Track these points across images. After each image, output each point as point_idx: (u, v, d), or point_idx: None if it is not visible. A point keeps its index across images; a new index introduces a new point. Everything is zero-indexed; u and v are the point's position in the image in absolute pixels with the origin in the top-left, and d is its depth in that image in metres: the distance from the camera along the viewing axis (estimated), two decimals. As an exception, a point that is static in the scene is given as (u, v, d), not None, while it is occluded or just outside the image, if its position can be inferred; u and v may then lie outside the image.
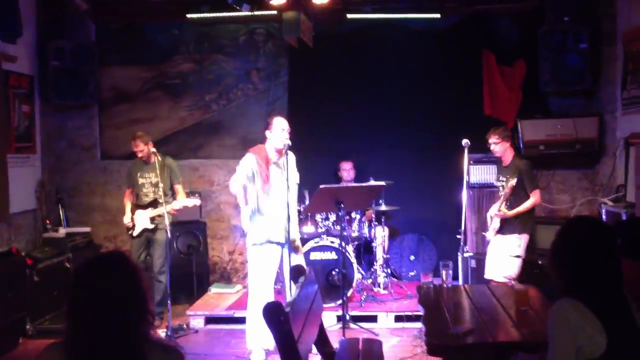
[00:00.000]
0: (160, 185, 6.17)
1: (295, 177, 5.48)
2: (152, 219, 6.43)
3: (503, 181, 5.86)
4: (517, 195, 5.75)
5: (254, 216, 5.36)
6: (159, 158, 6.23)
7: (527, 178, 5.77)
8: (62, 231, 7.13)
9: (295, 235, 5.56)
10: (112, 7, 7.55)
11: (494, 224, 5.87)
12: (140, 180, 6.53)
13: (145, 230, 6.48)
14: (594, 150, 7.13)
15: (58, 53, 7.19)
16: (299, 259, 5.43)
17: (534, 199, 5.76)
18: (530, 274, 6.01)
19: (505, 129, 6.06)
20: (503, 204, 5.75)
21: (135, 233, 6.49)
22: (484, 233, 6.16)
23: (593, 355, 2.40)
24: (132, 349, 2.06)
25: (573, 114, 7.21)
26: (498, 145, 5.86)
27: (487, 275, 5.90)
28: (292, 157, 5.47)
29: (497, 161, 6.17)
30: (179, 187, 6.55)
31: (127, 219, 6.52)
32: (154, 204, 6.43)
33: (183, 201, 6.39)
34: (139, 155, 6.47)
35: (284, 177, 5.24)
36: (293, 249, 5.35)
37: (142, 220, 6.46)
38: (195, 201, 6.49)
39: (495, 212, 5.85)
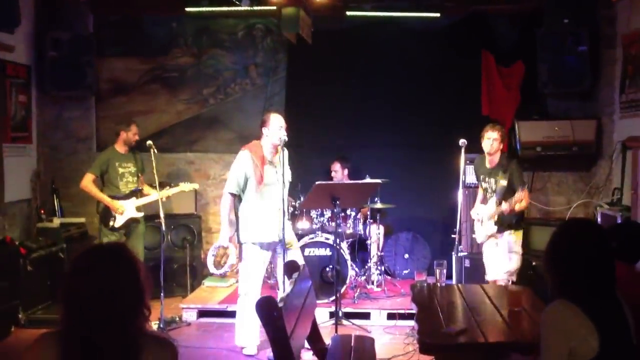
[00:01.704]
0: (139, 174, 6.38)
1: (288, 174, 5.45)
2: (139, 209, 6.39)
3: (490, 182, 5.72)
4: (505, 196, 5.58)
5: (248, 216, 5.34)
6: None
7: (517, 178, 5.58)
8: (57, 221, 7.11)
9: (291, 236, 5.54)
10: (111, -3, 7.55)
11: (488, 229, 5.72)
12: (120, 170, 6.40)
13: (130, 221, 6.37)
14: (591, 152, 7.15)
15: (56, 43, 7.17)
16: (296, 255, 5.42)
17: (525, 195, 5.52)
18: (524, 274, 6.01)
19: (504, 129, 5.90)
20: (495, 207, 5.62)
21: (118, 224, 6.31)
22: (474, 235, 6.09)
23: (585, 358, 2.40)
24: (127, 341, 2.05)
25: (571, 116, 7.22)
26: (497, 142, 5.62)
27: (489, 277, 5.80)
28: (285, 152, 5.44)
29: (478, 161, 5.97)
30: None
31: (120, 206, 6.29)
32: (136, 193, 6.41)
33: (182, 186, 6.41)
34: (135, 139, 6.41)
35: (279, 174, 5.23)
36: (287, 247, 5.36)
37: (128, 209, 6.35)
38: (194, 185, 6.58)
39: (486, 214, 5.70)
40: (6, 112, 6.86)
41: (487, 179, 5.78)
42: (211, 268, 5.55)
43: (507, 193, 5.54)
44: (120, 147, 6.47)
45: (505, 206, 5.45)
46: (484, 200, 5.84)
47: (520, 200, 5.39)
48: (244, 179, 5.29)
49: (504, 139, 5.77)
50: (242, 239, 5.39)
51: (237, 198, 5.38)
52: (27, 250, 6.34)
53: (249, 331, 5.35)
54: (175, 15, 7.72)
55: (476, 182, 6.19)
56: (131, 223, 6.41)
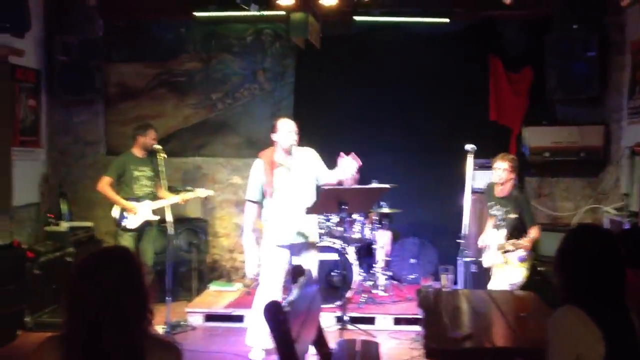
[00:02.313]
0: (155, 179, 6.41)
1: (320, 170, 5.46)
2: (155, 212, 6.44)
3: (500, 211, 5.72)
4: (516, 229, 5.58)
5: (266, 220, 5.42)
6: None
7: (528, 213, 5.57)
8: (65, 225, 7.14)
9: (309, 231, 5.50)
10: (120, 3, 7.57)
11: (495, 259, 5.67)
12: (136, 173, 6.46)
13: (145, 223, 6.43)
14: (599, 158, 7.12)
15: (65, 48, 7.22)
16: (312, 258, 5.41)
17: (535, 234, 5.48)
18: (531, 280, 5.97)
19: (516, 160, 5.82)
20: (504, 240, 5.57)
21: (133, 226, 6.37)
22: (479, 259, 6.08)
23: (592, 364, 2.39)
24: (131, 344, 2.06)
25: (579, 122, 7.19)
26: (506, 173, 5.60)
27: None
28: (309, 152, 5.45)
29: (488, 188, 5.97)
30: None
31: (133, 206, 6.35)
32: (152, 196, 6.46)
33: (198, 192, 6.48)
34: (152, 144, 6.44)
35: (292, 178, 5.25)
36: (307, 246, 5.35)
37: (143, 211, 6.41)
38: (208, 192, 6.66)
39: (494, 245, 5.66)
40: (15, 116, 6.91)
41: (495, 206, 5.78)
42: (248, 273, 5.57)
43: (517, 227, 5.56)
44: (137, 151, 6.53)
45: (510, 247, 5.48)
46: (495, 227, 5.85)
47: (527, 246, 5.42)
48: (257, 186, 5.40)
49: (515, 169, 5.69)
50: (263, 242, 5.45)
51: (261, 205, 5.46)
52: (35, 254, 6.37)
53: (259, 334, 5.33)
54: (184, 20, 7.74)
55: (483, 187, 6.17)
56: (146, 226, 6.45)
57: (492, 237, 5.76)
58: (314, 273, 5.13)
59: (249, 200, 5.46)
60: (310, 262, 5.29)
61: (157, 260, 6.71)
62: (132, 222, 6.37)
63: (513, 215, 5.54)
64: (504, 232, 5.62)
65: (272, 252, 5.37)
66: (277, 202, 5.34)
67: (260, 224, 5.55)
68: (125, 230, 6.39)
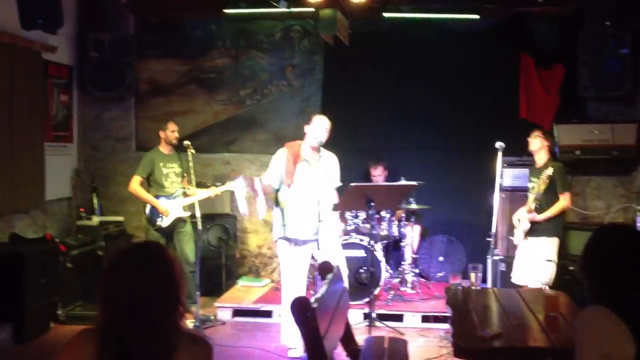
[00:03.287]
0: (184, 175, 6.43)
1: (333, 178, 5.47)
2: (185, 208, 6.46)
3: (534, 182, 5.81)
4: (547, 196, 5.74)
5: (279, 212, 5.39)
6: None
7: (560, 179, 5.76)
8: (96, 219, 7.23)
9: (327, 237, 5.50)
10: (151, 1, 7.65)
11: (523, 225, 5.83)
12: (165, 170, 6.48)
13: (177, 220, 6.45)
14: (632, 157, 7.00)
15: (97, 44, 7.33)
16: (334, 252, 5.39)
17: (564, 201, 5.76)
18: (560, 279, 5.93)
19: (546, 132, 6.17)
20: (533, 203, 5.71)
21: (165, 224, 6.40)
22: (510, 237, 6.12)
23: (622, 364, 2.36)
24: (163, 338, 2.07)
25: (611, 120, 7.09)
26: (538, 139, 5.91)
27: (516, 280, 5.82)
28: (333, 158, 5.47)
29: (530, 165, 6.15)
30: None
31: (166, 210, 6.36)
32: (183, 193, 6.49)
33: (228, 185, 6.43)
34: (174, 137, 6.49)
35: (315, 175, 5.25)
36: (327, 227, 5.34)
37: (174, 209, 6.44)
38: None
39: (524, 214, 5.82)
40: (48, 112, 7.03)
41: (532, 178, 5.95)
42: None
43: (549, 194, 5.72)
44: (163, 148, 6.56)
45: (531, 212, 5.74)
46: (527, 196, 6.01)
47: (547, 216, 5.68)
48: (276, 173, 5.41)
49: (547, 138, 6.02)
50: (274, 236, 5.45)
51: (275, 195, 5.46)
52: (67, 247, 6.47)
53: (293, 332, 5.32)
54: (214, 17, 7.80)
55: (512, 185, 6.21)
56: (178, 222, 6.47)
57: (523, 210, 5.90)
58: (339, 259, 5.14)
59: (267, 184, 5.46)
60: (332, 249, 5.25)
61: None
62: (165, 221, 6.40)
63: (545, 179, 5.59)
64: (532, 197, 5.78)
65: (284, 245, 5.37)
66: (294, 194, 5.34)
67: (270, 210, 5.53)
68: (159, 230, 6.40)
